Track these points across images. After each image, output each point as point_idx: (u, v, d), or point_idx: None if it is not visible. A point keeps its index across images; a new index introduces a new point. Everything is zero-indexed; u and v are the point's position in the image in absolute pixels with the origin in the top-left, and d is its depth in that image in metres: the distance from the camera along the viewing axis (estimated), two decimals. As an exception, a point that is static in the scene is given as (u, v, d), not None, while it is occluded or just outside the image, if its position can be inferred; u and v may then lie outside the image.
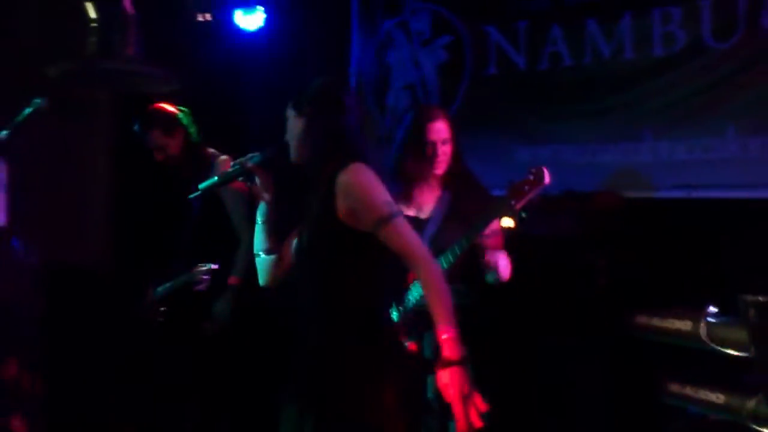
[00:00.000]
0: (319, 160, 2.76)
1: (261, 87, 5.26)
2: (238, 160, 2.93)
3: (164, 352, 4.36)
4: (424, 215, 3.60)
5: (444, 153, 3.59)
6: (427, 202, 3.66)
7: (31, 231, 4.75)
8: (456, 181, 3.65)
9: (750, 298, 2.96)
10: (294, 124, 2.82)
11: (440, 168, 3.60)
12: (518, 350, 4.11)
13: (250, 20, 5.13)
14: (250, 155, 2.91)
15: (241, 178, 2.93)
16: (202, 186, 2.96)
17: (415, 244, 2.66)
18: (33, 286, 4.75)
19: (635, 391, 3.77)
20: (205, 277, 4.02)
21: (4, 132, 4.27)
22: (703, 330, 3.39)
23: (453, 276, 3.41)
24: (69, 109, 5.31)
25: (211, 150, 4.41)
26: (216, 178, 2.96)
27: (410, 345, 3.44)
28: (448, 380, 2.55)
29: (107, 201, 5.67)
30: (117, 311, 4.81)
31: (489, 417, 3.46)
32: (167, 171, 4.41)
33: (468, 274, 3.50)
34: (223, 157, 4.32)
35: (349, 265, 2.71)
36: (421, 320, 3.43)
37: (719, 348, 3.36)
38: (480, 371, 3.49)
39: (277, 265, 2.95)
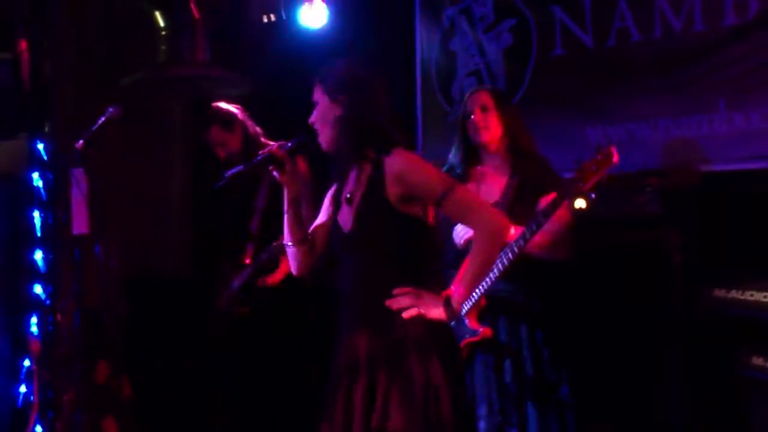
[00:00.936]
0: (358, 148, 2.75)
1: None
2: (267, 149, 2.89)
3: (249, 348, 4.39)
4: (492, 200, 3.58)
5: (482, 119, 3.59)
6: (496, 187, 3.63)
7: (111, 238, 4.88)
8: (525, 165, 3.62)
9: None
10: (326, 111, 2.78)
11: (484, 136, 3.61)
12: (595, 328, 4.05)
13: (314, 18, 5.16)
14: (279, 143, 2.88)
15: (271, 167, 2.86)
16: (229, 173, 2.91)
17: (483, 206, 2.73)
18: (116, 292, 4.88)
19: (717, 366, 3.67)
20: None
21: (80, 141, 4.40)
22: (783, 300, 3.30)
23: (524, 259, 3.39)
24: (144, 116, 5.44)
25: (272, 142, 4.44)
26: (242, 166, 2.91)
27: (485, 330, 3.42)
28: (433, 309, 2.64)
29: (185, 206, 5.78)
30: (198, 314, 4.87)
31: (569, 392, 3.47)
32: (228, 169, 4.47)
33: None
34: None
35: (401, 248, 2.70)
36: (493, 306, 3.42)
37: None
38: (558, 349, 3.49)
39: (310, 255, 2.94)
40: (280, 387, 4.33)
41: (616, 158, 3.21)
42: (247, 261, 4.31)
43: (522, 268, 3.36)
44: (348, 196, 2.79)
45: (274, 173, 2.88)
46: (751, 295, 3.42)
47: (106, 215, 4.77)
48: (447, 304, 2.66)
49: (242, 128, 4.45)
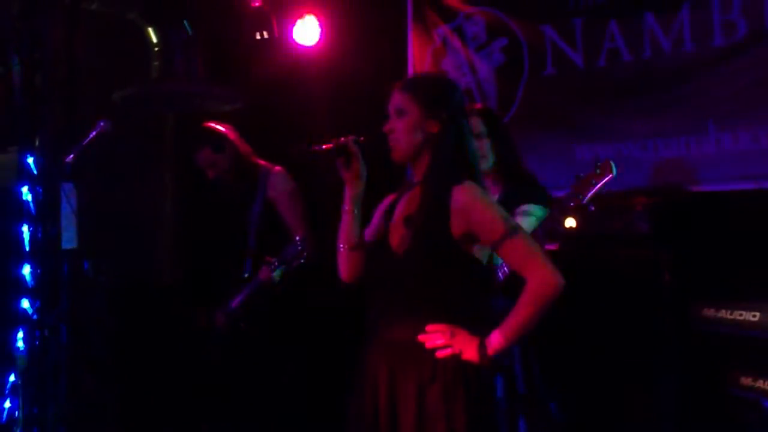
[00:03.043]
0: (438, 171, 2.64)
1: (320, 100, 5.29)
2: (342, 139, 2.70)
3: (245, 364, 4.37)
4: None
5: (480, 149, 3.58)
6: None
7: (101, 254, 4.86)
8: (512, 183, 3.63)
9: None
10: (417, 123, 2.65)
11: (481, 165, 3.59)
12: (585, 347, 4.06)
13: (307, 36, 5.18)
14: (352, 137, 2.71)
15: (339, 159, 2.68)
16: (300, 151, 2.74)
17: (542, 259, 2.59)
18: (104, 307, 4.85)
19: (706, 386, 3.68)
20: (299, 248, 3.94)
21: (71, 155, 4.39)
22: (773, 320, 3.30)
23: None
24: (136, 132, 5.44)
25: (263, 162, 4.47)
26: (313, 149, 2.71)
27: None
28: (467, 350, 2.55)
29: (176, 221, 5.77)
30: (188, 327, 4.86)
31: (559, 412, 3.47)
32: (220, 187, 4.48)
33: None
34: (277, 168, 4.40)
35: (451, 283, 2.61)
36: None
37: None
38: (548, 367, 3.49)
39: (362, 262, 2.76)
40: (277, 403, 4.31)
41: (614, 171, 3.25)
42: (246, 276, 4.29)
43: (514, 283, 3.34)
44: (408, 217, 2.67)
45: (340, 168, 2.70)
46: (740, 315, 3.42)
47: (96, 230, 4.75)
48: (481, 347, 2.56)
49: (232, 149, 4.44)
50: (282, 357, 4.27)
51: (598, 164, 3.31)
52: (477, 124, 3.64)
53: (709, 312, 3.56)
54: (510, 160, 3.68)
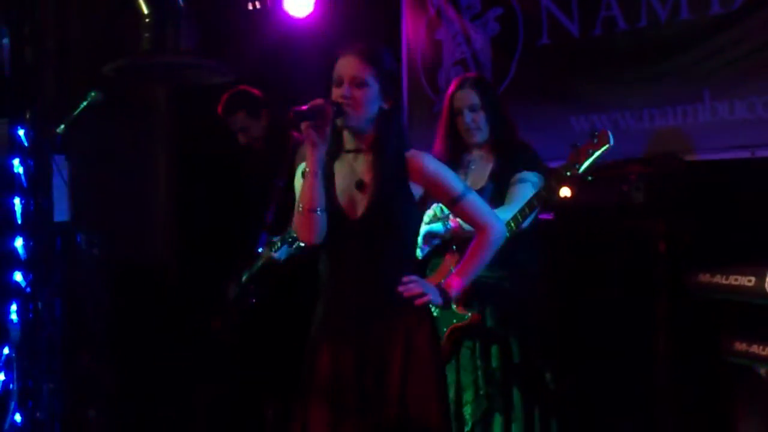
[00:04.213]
0: (391, 140, 2.79)
1: (312, 72, 5.24)
2: (315, 102, 2.63)
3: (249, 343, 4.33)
4: (477, 186, 3.56)
5: (473, 121, 3.56)
6: (482, 174, 3.62)
7: (94, 226, 4.84)
8: (507, 152, 3.61)
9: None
10: (375, 97, 2.74)
11: (474, 137, 3.58)
12: (580, 316, 4.06)
13: (299, 6, 5.13)
14: (327, 100, 2.68)
15: (317, 122, 2.62)
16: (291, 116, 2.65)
17: (488, 213, 2.94)
18: (98, 281, 4.83)
19: (701, 352, 3.69)
20: None
21: (62, 126, 4.36)
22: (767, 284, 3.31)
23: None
24: (128, 104, 5.40)
25: (297, 134, 4.38)
26: (296, 112, 2.62)
27: (473, 316, 3.43)
28: (430, 288, 2.80)
29: (169, 195, 5.74)
30: (184, 304, 4.84)
31: (555, 381, 3.48)
32: (249, 156, 4.40)
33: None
34: None
35: (412, 237, 2.91)
36: (481, 292, 3.41)
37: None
38: (543, 337, 3.51)
39: (320, 222, 2.75)
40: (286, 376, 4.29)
41: (612, 141, 3.25)
42: (260, 250, 4.24)
43: (510, 254, 3.33)
44: (359, 182, 2.78)
45: (311, 129, 2.64)
46: (735, 280, 3.44)
47: (89, 202, 4.73)
48: (443, 292, 2.83)
49: (268, 114, 4.37)
50: (285, 336, 4.24)
51: (596, 134, 3.30)
52: (471, 96, 3.60)
53: (705, 277, 3.58)
54: (505, 131, 3.66)
